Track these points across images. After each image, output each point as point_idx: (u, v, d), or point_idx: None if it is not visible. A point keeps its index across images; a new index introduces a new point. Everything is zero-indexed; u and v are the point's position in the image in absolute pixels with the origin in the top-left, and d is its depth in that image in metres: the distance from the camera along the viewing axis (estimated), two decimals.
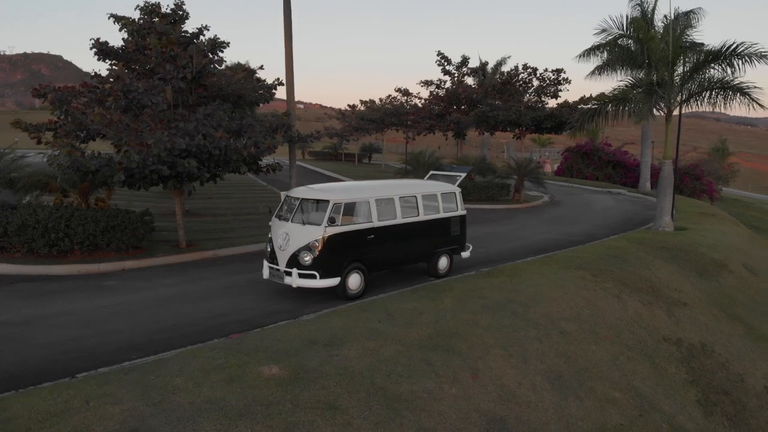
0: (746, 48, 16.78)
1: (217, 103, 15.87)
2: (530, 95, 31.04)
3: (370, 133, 49.14)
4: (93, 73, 17.64)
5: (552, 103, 30.86)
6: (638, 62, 34.19)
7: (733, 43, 16.87)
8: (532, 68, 30.27)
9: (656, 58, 18.63)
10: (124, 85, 12.49)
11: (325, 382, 6.71)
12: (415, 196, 11.90)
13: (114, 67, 18.36)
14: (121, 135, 13.06)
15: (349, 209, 10.72)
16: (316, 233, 10.27)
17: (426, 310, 9.47)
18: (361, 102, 46.87)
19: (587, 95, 29.91)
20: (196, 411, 5.88)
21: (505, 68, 31.94)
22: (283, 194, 11.83)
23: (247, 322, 9.47)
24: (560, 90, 30.20)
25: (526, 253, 15.38)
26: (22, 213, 13.32)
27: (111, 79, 17.37)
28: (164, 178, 13.08)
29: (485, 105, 29.34)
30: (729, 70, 17.23)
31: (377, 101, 44.43)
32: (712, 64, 17.60)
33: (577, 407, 7.81)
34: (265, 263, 10.98)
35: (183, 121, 13.52)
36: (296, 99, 22.39)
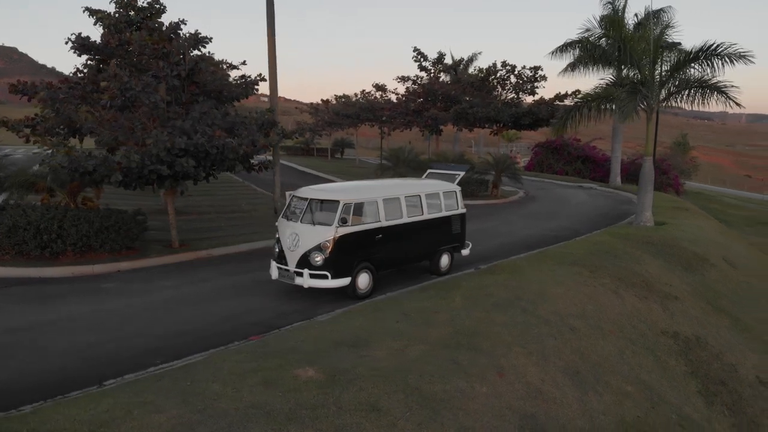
0: (725, 48, 17.37)
1: (204, 100, 15.69)
2: (507, 92, 31.45)
3: (343, 128, 48.97)
4: (75, 69, 17.20)
5: (529, 99, 31.33)
6: (610, 60, 35.00)
7: (713, 43, 17.46)
8: (511, 65, 30.69)
9: (638, 57, 19.07)
10: (122, 83, 12.23)
11: (362, 383, 6.78)
12: (419, 195, 12.01)
13: (90, 62, 17.94)
14: (115, 134, 12.81)
15: (358, 209, 10.77)
16: (327, 233, 10.29)
17: (440, 309, 9.60)
18: (336, 97, 46.61)
19: (562, 92, 30.46)
20: (243, 417, 5.88)
21: (483, 65, 32.31)
22: (288, 194, 11.80)
23: (261, 324, 9.45)
24: (537, 87, 30.70)
25: (516, 249, 15.64)
26: (12, 214, 12.94)
27: (85, 75, 17.02)
28: (161, 178, 12.88)
29: (465, 102, 29.60)
30: (708, 70, 17.79)
31: (352, 96, 44.29)
32: (692, 64, 18.15)
33: (598, 401, 8.07)
34: (273, 264, 10.95)
35: (179, 119, 13.33)
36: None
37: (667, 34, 19.68)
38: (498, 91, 31.50)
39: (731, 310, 13.95)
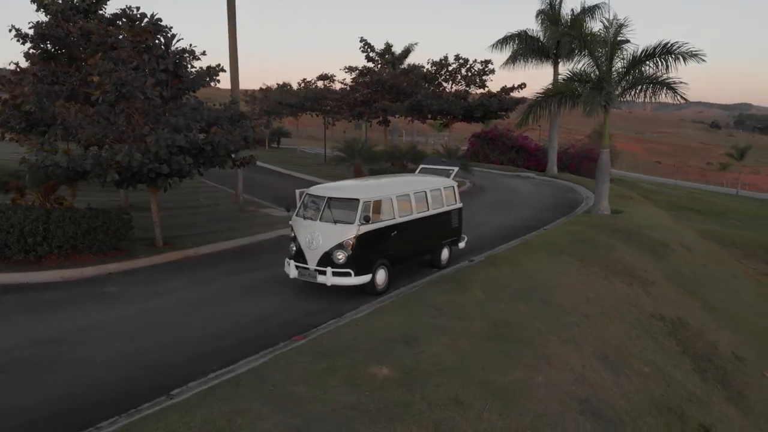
0: (679, 47, 18.64)
1: (185, 95, 15.26)
2: (457, 84, 32.16)
3: (281, 118, 48.39)
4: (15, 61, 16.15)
5: (477, 92, 32.19)
6: (548, 53, 36.42)
7: (668, 42, 18.68)
8: (464, 59, 31.38)
9: (597, 55, 20.07)
10: (119, 78, 11.70)
11: (435, 379, 7.04)
12: (425, 192, 12.31)
13: (32, 51, 16.95)
14: (106, 131, 12.30)
15: (377, 207, 10.93)
16: (349, 232, 10.41)
17: (467, 303, 9.98)
18: (277, 85, 45.91)
19: (509, 86, 31.49)
20: (346, 418, 6.02)
21: (422, 56, 32.89)
22: (298, 192, 11.78)
23: (294, 324, 9.49)
24: (486, 80, 31.59)
25: (496, 240, 16.22)
26: None
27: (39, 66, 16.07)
28: (158, 176, 12.49)
29: (421, 95, 30.05)
30: (663, 67, 19.02)
31: (294, 85, 43.83)
32: (647, 61, 19.34)
33: (629, 383, 8.71)
34: (292, 263, 10.94)
35: (171, 115, 12.95)
36: None
37: (621, 33, 20.82)
38: (449, 83, 32.15)
39: (698, 291, 15.17)
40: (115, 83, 11.69)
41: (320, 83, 40.76)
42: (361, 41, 35.00)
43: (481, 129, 50.58)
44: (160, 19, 14.16)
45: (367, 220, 10.40)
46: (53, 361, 7.91)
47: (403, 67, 37.66)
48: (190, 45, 14.66)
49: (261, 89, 47.47)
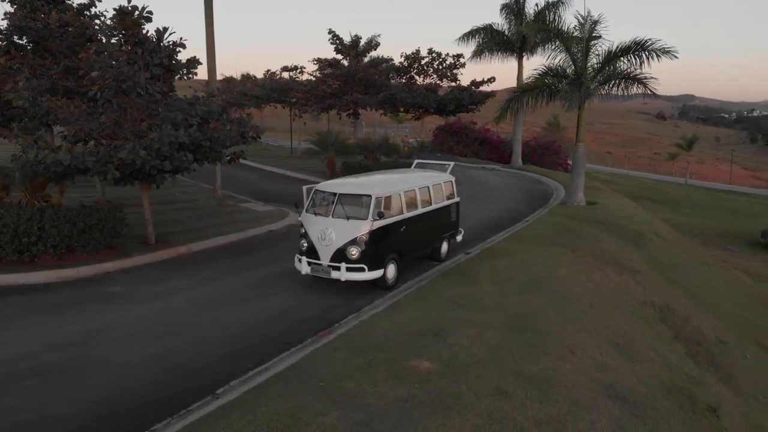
0: (652, 44, 19.38)
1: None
2: (429, 77, 32.44)
3: (244, 109, 47.69)
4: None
5: (447, 85, 32.54)
6: (512, 48, 37.04)
7: (642, 39, 19.40)
8: (437, 53, 31.64)
9: (573, 51, 20.65)
10: (120, 73, 11.43)
11: (476, 371, 7.30)
12: (428, 187, 12.54)
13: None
14: (102, 127, 12.05)
15: (387, 203, 11.09)
16: (362, 227, 10.55)
17: (480, 295, 10.28)
18: (242, 75, 45.24)
19: (478, 79, 31.94)
20: (404, 410, 6.21)
21: (408, 51, 32.96)
22: (305, 188, 11.82)
23: (315, 319, 9.60)
24: (457, 74, 31.96)
25: (484, 232, 16.62)
26: None
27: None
28: (158, 173, 12.31)
29: (394, 88, 30.20)
30: (637, 63, 19.75)
31: (258, 75, 43.26)
32: (622, 58, 20.04)
33: (641, 368, 9.18)
34: (304, 259, 11.00)
35: (167, 110, 12.76)
36: None
37: (595, 30, 21.47)
38: (421, 77, 32.41)
39: (677, 279, 15.93)
40: (115, 78, 11.44)
41: (286, 74, 40.35)
42: (329, 33, 34.89)
43: (445, 121, 51.25)
44: (150, 12, 13.86)
45: (381, 215, 10.57)
46: (83, 365, 7.80)
47: (367, 59, 37.70)
48: (181, 38, 14.41)
49: (222, 80, 46.67)
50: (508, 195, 25.50)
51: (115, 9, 13.32)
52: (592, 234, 16.30)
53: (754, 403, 11.19)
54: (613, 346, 9.38)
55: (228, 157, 15.57)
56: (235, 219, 18.36)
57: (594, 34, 21.12)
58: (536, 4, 36.71)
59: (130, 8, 13.33)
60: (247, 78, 45.19)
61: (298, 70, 36.58)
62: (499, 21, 38.33)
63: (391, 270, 11.18)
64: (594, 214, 19.04)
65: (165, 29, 13.79)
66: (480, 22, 40.52)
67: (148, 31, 13.76)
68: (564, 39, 20.49)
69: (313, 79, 36.31)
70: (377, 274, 10.74)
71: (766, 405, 11.64)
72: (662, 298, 13.65)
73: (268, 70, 42.59)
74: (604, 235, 16.53)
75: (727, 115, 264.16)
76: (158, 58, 13.05)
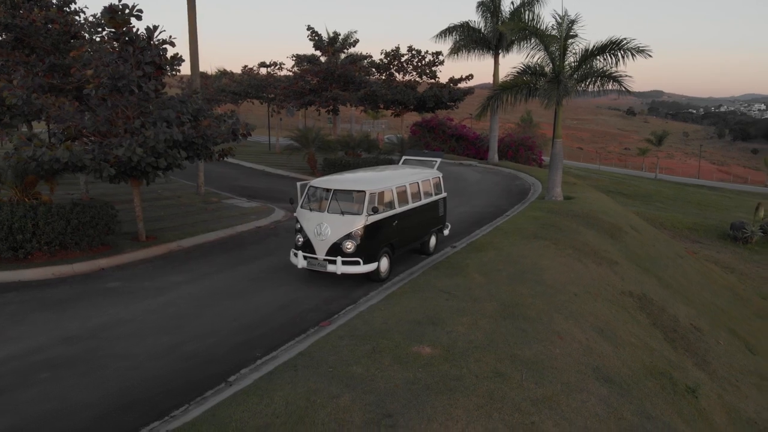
0: (627, 43, 20.07)
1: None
2: (408, 74, 32.85)
3: (220, 105, 47.58)
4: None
5: (426, 82, 33.02)
6: (489, 45, 37.64)
7: (618, 38, 20.08)
8: (416, 50, 32.06)
9: (551, 50, 21.23)
10: (117, 71, 11.57)
11: (474, 355, 7.75)
12: (418, 183, 12.95)
13: None
14: (98, 124, 12.19)
15: (381, 198, 11.47)
16: (357, 222, 10.92)
17: (471, 286, 10.74)
18: (217, 71, 45.05)
19: (456, 77, 32.47)
20: (411, 392, 6.62)
21: (385, 47, 33.39)
22: (300, 185, 12.13)
23: (316, 310, 9.96)
24: (435, 71, 32.44)
25: (468, 226, 17.15)
26: None
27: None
28: (151, 170, 12.50)
29: (375, 84, 30.56)
30: (613, 61, 20.43)
31: (233, 71, 43.16)
32: (598, 56, 20.69)
33: (624, 353, 9.72)
34: (300, 253, 11.32)
35: (159, 107, 12.94)
36: None
37: (573, 29, 22.09)
38: (400, 74, 32.81)
39: (652, 270, 16.63)
40: (111, 76, 11.59)
41: (263, 70, 40.42)
42: (308, 29, 35.04)
43: (422, 118, 51.83)
44: (140, 10, 13.99)
45: (375, 210, 10.94)
46: (96, 357, 8.04)
47: (344, 56, 37.95)
48: (170, 36, 14.57)
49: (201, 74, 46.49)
50: (488, 190, 26.09)
51: (105, 7, 13.42)
52: (572, 227, 16.91)
53: (728, 386, 11.86)
54: (597, 332, 9.92)
55: (219, 153, 15.80)
56: (221, 215, 18.57)
57: (571, 33, 21.76)
58: (512, 2, 37.50)
59: (120, 6, 13.46)
60: (223, 74, 44.97)
61: (277, 66, 36.62)
62: (475, 18, 38.84)
63: (384, 263, 11.58)
64: (572, 208, 19.69)
65: (155, 27, 13.94)
66: (457, 20, 41.16)
67: (138, 30, 13.93)
68: (543, 38, 21.05)
69: (292, 74, 36.47)
70: (372, 267, 11.13)
71: (739, 388, 12.32)
72: (639, 288, 14.28)
73: (246, 66, 42.61)
74: (583, 228, 17.15)
75: (695, 111, 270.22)
76: (149, 56, 13.21)
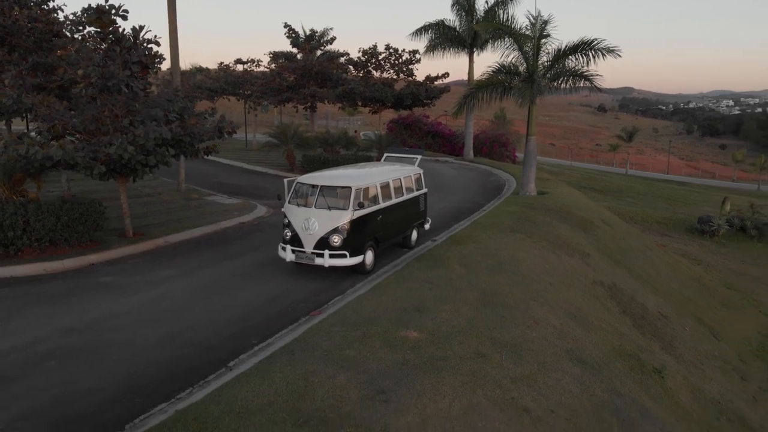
0: (598, 43, 20.85)
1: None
2: (386, 72, 33.37)
3: (195, 102, 47.52)
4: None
5: (402, 80, 33.57)
6: (464, 44, 38.31)
7: (589, 39, 20.85)
8: (394, 48, 32.57)
9: (525, 50, 21.92)
10: (107, 71, 11.85)
11: (458, 339, 8.32)
12: (400, 179, 13.49)
13: None
14: (86, 123, 12.48)
15: (365, 194, 11.97)
16: (343, 217, 11.42)
17: (453, 277, 11.32)
18: (192, 67, 44.98)
19: (433, 75, 33.04)
20: (402, 371, 7.16)
21: (361, 44, 33.85)
22: (287, 181, 12.57)
23: (306, 301, 10.44)
24: (412, 69, 33.00)
25: (447, 221, 17.75)
26: None
27: None
28: (140, 167, 12.83)
29: (353, 82, 31.01)
30: (584, 61, 21.20)
31: (209, 67, 43.18)
32: (570, 56, 21.45)
33: (595, 336, 10.41)
34: (288, 247, 11.77)
35: (146, 106, 13.26)
36: None
37: (546, 29, 22.83)
38: (378, 72, 33.29)
39: (623, 262, 17.44)
40: (101, 76, 11.88)
41: (239, 67, 40.53)
42: (285, 27, 35.30)
43: (398, 115, 52.41)
44: (126, 11, 14.26)
45: (361, 206, 11.45)
46: (99, 347, 8.41)
47: (320, 53, 38.32)
48: (155, 36, 14.87)
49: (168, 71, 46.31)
50: (464, 186, 26.75)
51: (92, 7, 13.67)
52: (546, 221, 17.62)
53: (693, 369, 12.65)
54: (570, 318, 10.59)
55: (203, 151, 16.13)
56: (204, 212, 18.87)
57: (544, 33, 22.49)
58: (486, 1, 38.19)
59: (107, 7, 13.72)
60: (198, 70, 44.92)
61: (254, 63, 36.81)
62: (451, 17, 39.45)
63: (369, 256, 12.10)
64: (545, 203, 20.43)
65: (141, 27, 14.23)
66: (434, 18, 41.71)
67: (124, 29, 14.20)
68: (517, 37, 21.73)
69: (269, 71, 36.69)
70: (358, 259, 11.64)
71: (704, 371, 13.14)
72: (610, 278, 15.05)
73: (222, 63, 42.63)
74: (556, 222, 17.88)
75: (664, 107, 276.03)
76: (135, 55, 13.50)
